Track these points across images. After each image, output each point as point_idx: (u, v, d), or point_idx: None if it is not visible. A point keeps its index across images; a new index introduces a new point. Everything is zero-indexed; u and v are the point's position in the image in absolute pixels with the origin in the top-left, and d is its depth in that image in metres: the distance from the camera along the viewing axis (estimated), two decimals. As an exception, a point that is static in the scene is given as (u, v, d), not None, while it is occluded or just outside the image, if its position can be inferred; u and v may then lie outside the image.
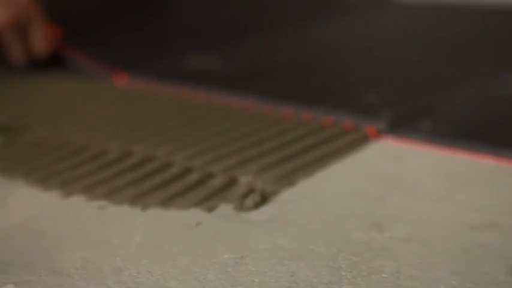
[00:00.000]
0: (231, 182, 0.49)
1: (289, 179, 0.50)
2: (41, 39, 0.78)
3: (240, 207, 0.46)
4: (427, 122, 0.57)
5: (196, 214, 0.46)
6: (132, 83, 0.73)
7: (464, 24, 0.91)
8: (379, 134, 0.58)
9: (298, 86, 0.69)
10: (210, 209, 0.46)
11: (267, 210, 0.46)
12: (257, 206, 0.46)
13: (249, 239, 0.42)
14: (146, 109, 0.66)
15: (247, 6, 1.04)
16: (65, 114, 0.65)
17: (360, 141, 0.57)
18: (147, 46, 0.88)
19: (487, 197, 0.46)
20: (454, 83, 0.66)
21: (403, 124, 0.57)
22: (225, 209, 0.46)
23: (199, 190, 0.49)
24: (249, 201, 0.46)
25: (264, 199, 0.46)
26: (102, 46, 0.87)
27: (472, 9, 0.96)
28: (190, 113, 0.64)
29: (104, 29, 0.94)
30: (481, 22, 0.91)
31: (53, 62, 0.81)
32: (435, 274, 0.38)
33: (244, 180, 0.50)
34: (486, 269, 0.39)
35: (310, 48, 0.84)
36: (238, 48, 0.84)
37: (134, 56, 0.84)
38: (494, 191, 0.47)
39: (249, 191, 0.47)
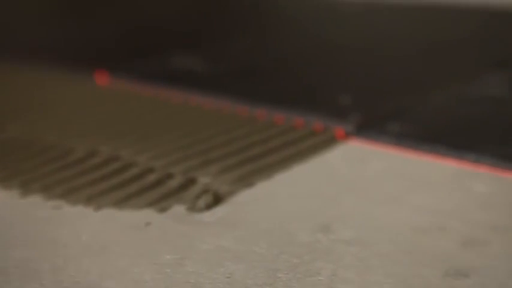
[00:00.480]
0: (189, 183, 0.49)
1: (248, 181, 0.50)
2: None
3: (192, 208, 0.45)
4: (396, 124, 0.57)
5: (148, 215, 0.46)
6: (114, 83, 0.74)
7: (447, 26, 0.90)
8: (347, 136, 0.57)
9: (276, 88, 0.69)
10: (163, 210, 0.46)
11: (219, 211, 0.46)
12: (209, 207, 0.46)
13: (194, 240, 0.43)
14: (121, 109, 0.66)
15: (232, 8, 1.04)
16: (39, 113, 0.66)
17: (327, 143, 0.57)
18: (129, 45, 0.88)
19: (441, 200, 0.46)
20: (429, 86, 0.66)
21: (372, 126, 0.57)
22: (178, 210, 0.46)
23: (156, 191, 0.49)
24: (201, 202, 0.46)
25: (217, 200, 0.46)
26: (84, 45, 0.87)
27: (456, 10, 0.95)
28: (164, 112, 0.64)
29: (87, 27, 0.95)
30: (464, 23, 0.90)
31: None
32: (370, 277, 0.38)
33: (203, 181, 0.49)
34: (423, 271, 0.38)
35: (294, 51, 0.83)
36: (221, 49, 0.84)
37: (117, 56, 0.84)
38: (450, 194, 0.47)
39: (203, 192, 0.47)
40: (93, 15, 1.01)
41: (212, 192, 0.48)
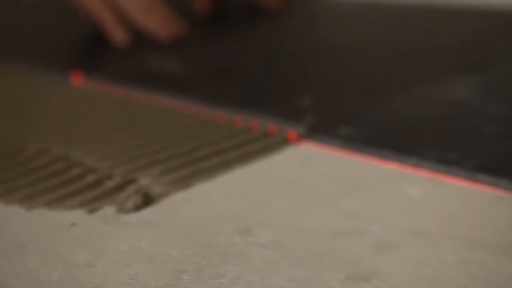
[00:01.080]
0: (126, 184, 0.49)
1: (186, 182, 0.51)
2: None
3: (121, 209, 0.46)
4: (348, 127, 0.57)
5: (77, 215, 0.47)
6: (89, 83, 0.74)
7: (432, 27, 0.90)
8: (300, 138, 0.57)
9: (242, 90, 0.70)
10: (92, 211, 0.47)
11: (147, 212, 0.47)
12: (138, 208, 0.46)
13: (113, 241, 0.43)
14: (88, 109, 0.68)
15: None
16: (2, 112, 0.66)
17: (278, 145, 0.57)
18: (106, 45, 0.89)
19: (370, 204, 0.46)
20: (393, 89, 0.66)
21: (324, 129, 0.57)
22: (108, 211, 0.47)
23: (93, 191, 0.50)
24: (129, 203, 0.46)
25: (147, 201, 0.47)
26: (58, 44, 0.89)
27: (431, 10, 0.95)
28: (128, 113, 0.65)
29: (61, 27, 0.96)
30: (451, 24, 0.90)
31: None
32: (273, 280, 0.38)
33: (142, 182, 0.50)
34: (326, 275, 0.39)
35: (274, 52, 0.84)
36: (200, 50, 0.85)
37: (93, 56, 0.85)
38: (381, 198, 0.47)
39: (135, 193, 0.47)
40: (71, 13, 1.03)
41: (142, 193, 0.49)
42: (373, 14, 0.98)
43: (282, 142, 0.58)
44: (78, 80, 0.77)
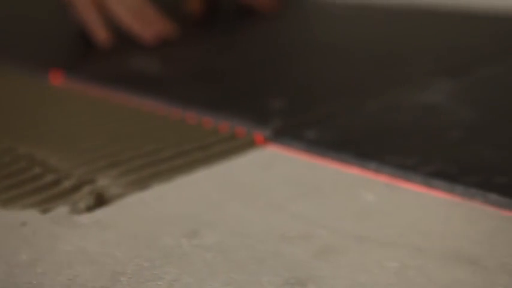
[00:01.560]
0: (82, 185, 0.49)
1: (144, 184, 0.51)
2: None
3: (73, 209, 0.46)
4: (314, 131, 0.56)
5: (30, 215, 0.47)
6: (68, 82, 0.75)
7: (419, 29, 0.89)
8: (266, 141, 0.57)
9: (216, 92, 0.69)
10: (46, 211, 0.47)
11: (99, 213, 0.46)
12: (90, 209, 0.46)
13: (59, 242, 0.43)
14: (62, 109, 0.68)
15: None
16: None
17: (243, 147, 0.57)
18: (86, 45, 0.89)
19: (322, 208, 0.46)
20: (366, 92, 0.65)
21: (290, 132, 0.57)
22: (61, 211, 0.47)
23: (49, 191, 0.50)
24: (82, 204, 0.46)
25: (100, 202, 0.47)
26: (42, 43, 0.89)
27: (423, 12, 0.94)
28: (101, 114, 0.65)
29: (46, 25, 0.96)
30: (426, 25, 0.89)
31: None
32: (210, 283, 0.38)
33: (101, 183, 0.50)
34: (264, 279, 0.38)
35: (253, 55, 0.84)
36: (182, 51, 0.85)
37: (73, 55, 0.85)
38: (334, 202, 0.47)
39: (89, 194, 0.47)
40: (52, 12, 1.03)
41: (96, 194, 0.49)
42: (363, 16, 0.98)
43: (248, 144, 0.58)
44: (57, 79, 0.77)
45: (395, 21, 0.95)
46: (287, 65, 0.78)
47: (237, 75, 0.75)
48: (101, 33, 0.87)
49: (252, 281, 0.38)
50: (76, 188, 0.50)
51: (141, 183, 0.51)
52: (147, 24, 0.88)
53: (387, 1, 1.02)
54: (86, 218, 0.46)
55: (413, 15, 0.96)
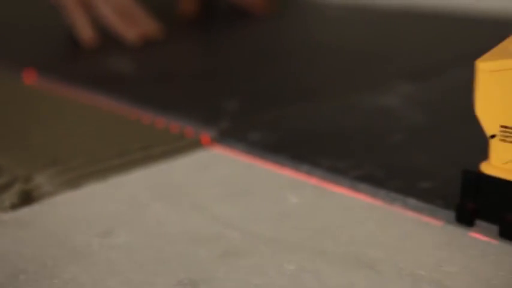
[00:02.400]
0: (14, 183, 0.50)
1: (77, 183, 0.51)
2: None
3: (-2, 207, 0.46)
4: (259, 133, 0.56)
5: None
6: (41, 82, 0.75)
7: (388, 30, 0.89)
8: (213, 142, 0.57)
9: (179, 93, 0.70)
10: (-27, 207, 0.47)
11: (22, 211, 0.47)
12: (15, 207, 0.47)
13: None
14: (21, 107, 0.68)
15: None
16: None
17: (189, 147, 0.57)
18: (61, 44, 0.90)
19: (243, 210, 0.46)
20: (322, 95, 0.65)
21: (235, 134, 0.57)
22: (-12, 208, 0.47)
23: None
24: (7, 201, 0.47)
25: (26, 201, 0.47)
26: (20, 42, 0.90)
27: (414, 13, 0.94)
28: (59, 112, 0.66)
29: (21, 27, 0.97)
30: (409, 27, 0.89)
31: None
32: (105, 283, 0.39)
33: (34, 181, 0.50)
34: (159, 280, 0.39)
35: (226, 56, 0.84)
36: (156, 52, 0.85)
37: (47, 54, 0.86)
38: (258, 204, 0.47)
39: (16, 192, 0.48)
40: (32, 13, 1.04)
41: (22, 192, 0.49)
42: (348, 17, 0.98)
43: (194, 145, 0.58)
44: (30, 79, 0.77)
45: (380, 22, 0.95)
46: (256, 68, 0.78)
47: (200, 77, 0.75)
48: (86, 33, 0.88)
49: (148, 281, 0.38)
50: (8, 186, 0.50)
51: (75, 183, 0.51)
52: (132, 25, 0.88)
53: (373, 2, 1.01)
54: (7, 216, 0.47)
55: (402, 17, 0.95)
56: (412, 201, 0.44)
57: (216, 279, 0.38)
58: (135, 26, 0.85)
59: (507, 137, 0.37)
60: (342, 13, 0.99)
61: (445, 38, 0.81)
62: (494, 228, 0.40)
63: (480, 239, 0.40)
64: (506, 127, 0.37)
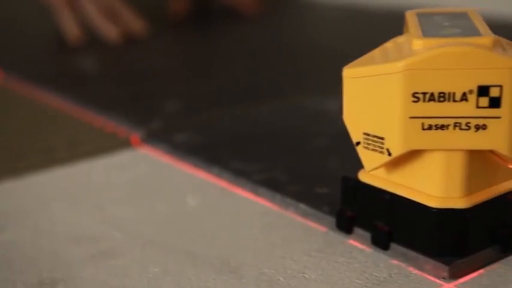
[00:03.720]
0: None
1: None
2: None
3: None
4: (186, 135, 0.56)
5: None
6: (8, 81, 0.77)
7: (367, 30, 0.88)
8: (142, 142, 0.58)
9: (126, 92, 0.70)
10: None
11: None
12: None
13: None
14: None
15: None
16: None
17: (117, 147, 0.57)
18: (41, 44, 0.91)
19: (142, 210, 0.47)
20: (265, 98, 0.65)
21: (161, 135, 0.57)
22: None
23: None
24: None
25: None
26: None
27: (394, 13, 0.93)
28: (9, 110, 0.66)
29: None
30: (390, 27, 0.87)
31: None
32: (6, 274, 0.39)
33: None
34: (21, 278, 0.39)
35: (191, 57, 0.84)
36: (132, 53, 0.86)
37: (14, 53, 0.87)
38: (157, 205, 0.47)
39: None
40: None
41: None
42: (339, 17, 0.97)
43: (123, 145, 0.58)
44: (-4, 77, 0.78)
45: (370, 23, 0.94)
46: (213, 68, 0.78)
47: (153, 77, 0.76)
48: (72, 32, 0.89)
49: (9, 279, 0.39)
50: None
51: (-10, 180, 0.51)
52: (116, 23, 0.89)
53: (366, 2, 1.00)
54: None
55: (390, 16, 0.94)
56: (302, 206, 0.43)
57: (77, 279, 0.38)
58: (118, 24, 0.85)
59: (369, 144, 0.36)
60: (333, 13, 0.98)
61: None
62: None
63: (357, 246, 0.40)
64: (368, 134, 0.36)
